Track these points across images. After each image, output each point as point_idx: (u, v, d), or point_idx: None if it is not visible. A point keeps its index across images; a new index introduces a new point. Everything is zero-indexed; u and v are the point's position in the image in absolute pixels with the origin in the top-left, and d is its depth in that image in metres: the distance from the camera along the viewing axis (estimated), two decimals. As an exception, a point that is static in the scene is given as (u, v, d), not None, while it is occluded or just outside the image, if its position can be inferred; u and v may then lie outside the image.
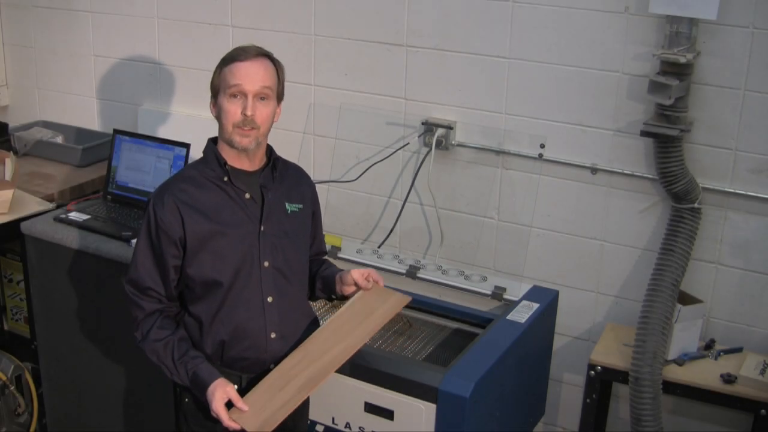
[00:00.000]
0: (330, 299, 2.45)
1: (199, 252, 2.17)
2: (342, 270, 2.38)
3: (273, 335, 2.21)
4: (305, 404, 2.39)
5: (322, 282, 2.39)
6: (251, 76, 2.13)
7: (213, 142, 2.26)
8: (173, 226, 2.15)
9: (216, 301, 2.19)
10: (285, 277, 2.24)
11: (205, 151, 2.26)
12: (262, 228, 2.20)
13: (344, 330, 2.25)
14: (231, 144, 2.17)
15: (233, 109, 2.14)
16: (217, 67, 2.20)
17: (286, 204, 2.27)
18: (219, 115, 2.19)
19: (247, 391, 2.13)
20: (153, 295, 2.20)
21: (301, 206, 2.31)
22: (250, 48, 2.17)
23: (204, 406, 2.15)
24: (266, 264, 2.20)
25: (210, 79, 2.22)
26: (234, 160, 2.20)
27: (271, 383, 2.14)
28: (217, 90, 2.19)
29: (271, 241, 2.22)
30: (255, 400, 2.10)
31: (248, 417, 2.07)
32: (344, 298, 2.36)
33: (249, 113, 2.13)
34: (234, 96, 2.14)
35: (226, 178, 2.19)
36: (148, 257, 2.19)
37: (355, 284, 2.31)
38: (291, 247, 2.26)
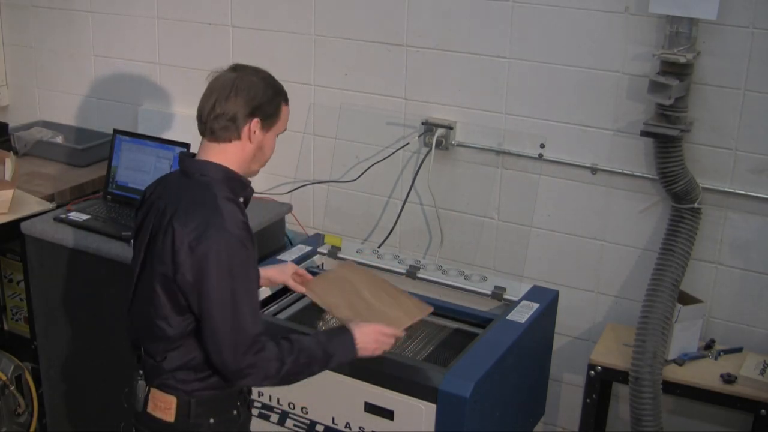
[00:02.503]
0: None
1: None
2: None
3: None
4: None
5: None
6: None
7: (223, 169, 2.06)
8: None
9: None
10: None
11: (229, 177, 2.06)
12: None
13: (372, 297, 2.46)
14: (253, 173, 2.14)
15: (274, 147, 2.14)
16: (275, 96, 2.08)
17: None
18: (261, 146, 2.08)
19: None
20: (260, 339, 1.99)
21: None
22: None
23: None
24: None
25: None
26: None
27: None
28: (272, 121, 2.08)
29: None
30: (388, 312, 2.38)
31: (403, 317, 2.35)
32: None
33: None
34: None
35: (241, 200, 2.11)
36: (254, 299, 2.01)
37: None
38: None
